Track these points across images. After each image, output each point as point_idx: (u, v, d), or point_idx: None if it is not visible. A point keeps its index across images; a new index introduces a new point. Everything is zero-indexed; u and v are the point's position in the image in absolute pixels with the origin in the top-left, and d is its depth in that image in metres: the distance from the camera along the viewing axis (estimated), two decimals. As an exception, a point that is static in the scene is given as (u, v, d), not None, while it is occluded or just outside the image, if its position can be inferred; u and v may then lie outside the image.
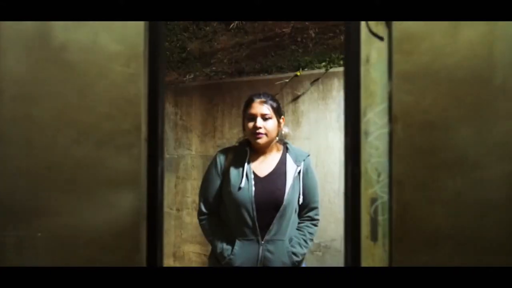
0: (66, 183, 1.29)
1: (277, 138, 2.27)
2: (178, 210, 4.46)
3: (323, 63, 3.65)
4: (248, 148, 2.25)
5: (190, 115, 4.34)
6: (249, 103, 2.24)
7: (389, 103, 1.26)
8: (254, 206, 2.12)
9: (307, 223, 2.31)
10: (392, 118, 1.25)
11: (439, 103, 1.24)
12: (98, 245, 1.29)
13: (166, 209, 4.55)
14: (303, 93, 3.58)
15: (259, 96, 2.25)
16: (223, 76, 4.44)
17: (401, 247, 1.24)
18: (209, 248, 2.28)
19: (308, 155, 2.31)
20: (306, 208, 2.31)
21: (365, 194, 1.27)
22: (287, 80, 3.61)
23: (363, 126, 1.27)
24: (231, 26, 5.50)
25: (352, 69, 1.29)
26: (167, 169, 4.49)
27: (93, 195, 1.28)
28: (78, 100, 1.29)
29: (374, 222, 1.26)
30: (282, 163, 2.25)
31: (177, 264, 4.39)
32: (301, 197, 2.24)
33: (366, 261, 1.27)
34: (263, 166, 2.25)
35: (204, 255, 4.18)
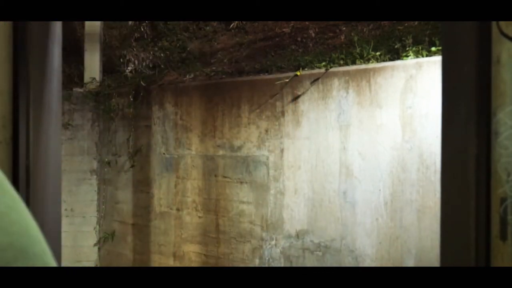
0: None
1: None
2: (178, 210, 4.46)
3: (323, 63, 3.65)
4: None
5: (190, 115, 4.34)
6: None
7: None
8: None
9: None
10: None
11: None
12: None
13: (166, 209, 4.55)
14: (303, 93, 3.58)
15: None
16: (223, 76, 4.44)
17: None
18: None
19: None
20: None
21: (495, 194, 1.25)
22: (287, 80, 3.61)
23: (493, 127, 1.25)
24: (231, 26, 5.49)
25: (483, 69, 1.27)
26: (167, 169, 4.48)
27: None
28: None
29: (503, 222, 1.24)
30: None
31: (177, 264, 4.38)
32: None
33: (495, 261, 1.25)
34: None
35: (204, 255, 4.18)
